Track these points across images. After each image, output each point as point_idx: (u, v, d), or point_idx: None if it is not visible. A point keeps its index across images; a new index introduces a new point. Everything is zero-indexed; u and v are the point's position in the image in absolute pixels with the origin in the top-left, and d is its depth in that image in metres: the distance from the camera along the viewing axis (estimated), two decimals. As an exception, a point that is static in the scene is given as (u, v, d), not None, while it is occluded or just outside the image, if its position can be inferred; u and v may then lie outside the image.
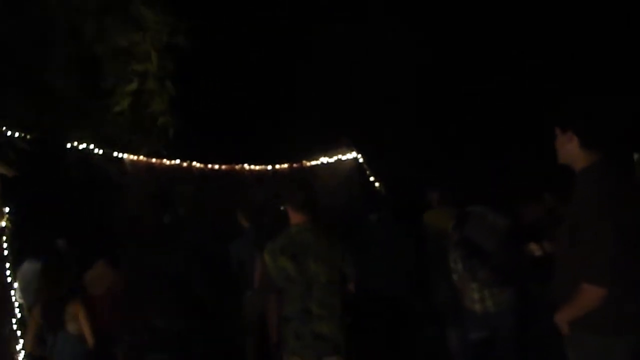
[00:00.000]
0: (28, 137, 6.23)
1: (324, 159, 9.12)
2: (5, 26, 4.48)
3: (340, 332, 3.92)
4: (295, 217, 4.05)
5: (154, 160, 7.61)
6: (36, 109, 5.07)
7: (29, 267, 5.90)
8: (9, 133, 5.68)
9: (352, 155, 9.05)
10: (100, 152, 7.07)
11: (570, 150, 3.06)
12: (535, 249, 4.44)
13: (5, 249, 5.81)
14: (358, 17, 8.82)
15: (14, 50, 4.74)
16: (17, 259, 5.81)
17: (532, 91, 8.22)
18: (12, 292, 5.54)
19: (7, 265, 5.91)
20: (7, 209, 5.82)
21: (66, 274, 4.68)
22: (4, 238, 5.83)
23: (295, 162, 9.06)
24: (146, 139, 5.12)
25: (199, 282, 4.35)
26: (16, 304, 5.28)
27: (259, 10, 7.94)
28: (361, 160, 9.07)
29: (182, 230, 5.29)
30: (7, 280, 5.86)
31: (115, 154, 7.27)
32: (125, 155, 7.36)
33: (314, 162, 9.13)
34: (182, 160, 7.91)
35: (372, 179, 9.04)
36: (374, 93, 8.96)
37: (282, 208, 4.14)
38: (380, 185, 9.03)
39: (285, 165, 9.00)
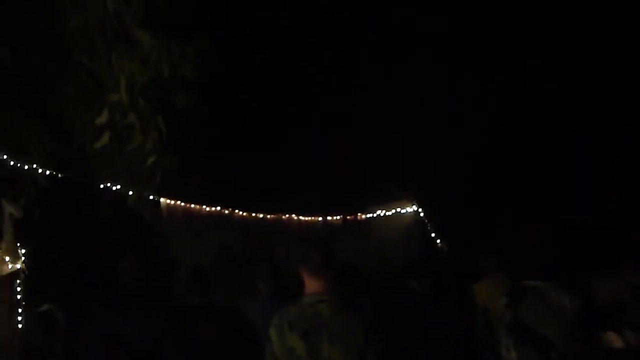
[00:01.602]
0: (59, 175, 5.92)
1: (381, 212, 8.39)
2: (11, 57, 4.19)
3: None
4: (310, 285, 3.33)
5: (192, 205, 7.16)
6: (52, 142, 4.71)
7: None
8: (30, 167, 5.35)
9: (413, 208, 8.27)
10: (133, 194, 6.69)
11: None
12: (614, 339, 3.50)
13: (19, 293, 5.45)
14: (422, 61, 8.14)
15: (23, 82, 4.45)
16: (31, 304, 5.42)
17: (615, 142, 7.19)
18: (21, 340, 5.15)
19: (19, 311, 5.54)
20: (23, 251, 5.48)
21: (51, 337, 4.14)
22: (18, 282, 5.48)
23: (349, 214, 8.38)
24: (137, 182, 4.60)
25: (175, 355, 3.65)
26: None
27: (303, 36, 7.30)
28: (422, 214, 8.26)
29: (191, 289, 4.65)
30: (17, 327, 5.47)
31: (151, 197, 6.88)
32: (162, 199, 6.95)
33: (369, 215, 8.42)
34: (224, 207, 7.41)
35: (433, 235, 8.18)
36: (438, 145, 8.18)
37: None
38: (442, 243, 8.15)
39: (338, 217, 8.33)
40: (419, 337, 4.56)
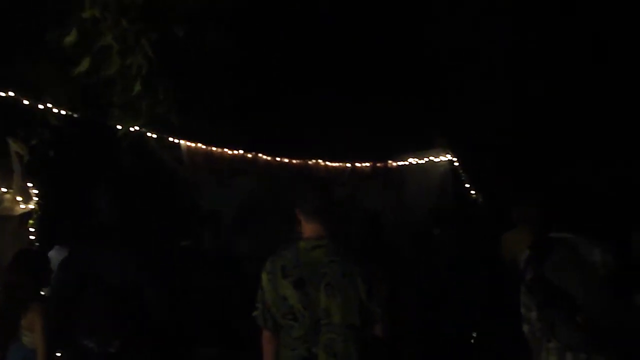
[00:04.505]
0: (73, 115, 5.73)
1: (413, 160, 8.01)
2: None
3: None
4: (307, 228, 3.03)
5: (214, 148, 6.93)
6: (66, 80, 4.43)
7: (54, 254, 5.38)
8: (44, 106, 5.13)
9: (447, 157, 7.86)
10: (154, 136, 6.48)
11: None
12: (650, 300, 3.11)
13: (32, 233, 5.36)
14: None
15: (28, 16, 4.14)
16: (45, 245, 5.33)
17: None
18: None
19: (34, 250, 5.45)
20: (36, 192, 5.37)
21: (35, 276, 3.96)
22: (31, 222, 5.39)
23: (379, 161, 8.03)
24: (125, 115, 4.28)
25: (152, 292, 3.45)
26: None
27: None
28: (457, 163, 7.84)
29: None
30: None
31: (170, 139, 6.66)
32: (182, 142, 6.74)
33: (401, 162, 8.05)
34: (247, 151, 7.16)
35: (467, 185, 7.77)
36: (475, 93, 7.63)
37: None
38: (477, 194, 7.73)
39: (367, 164, 7.99)
40: (434, 289, 4.23)
